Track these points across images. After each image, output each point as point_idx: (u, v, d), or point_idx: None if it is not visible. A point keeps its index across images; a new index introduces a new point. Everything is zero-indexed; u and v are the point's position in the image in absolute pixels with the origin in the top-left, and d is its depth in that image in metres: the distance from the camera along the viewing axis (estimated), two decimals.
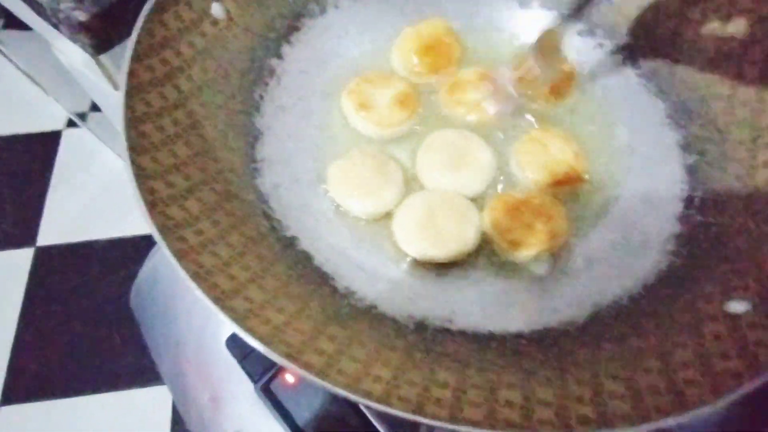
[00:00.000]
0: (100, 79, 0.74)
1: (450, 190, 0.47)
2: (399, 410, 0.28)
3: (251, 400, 0.50)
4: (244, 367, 0.50)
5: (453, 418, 0.29)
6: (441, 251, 0.44)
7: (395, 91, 0.51)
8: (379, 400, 0.29)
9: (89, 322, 1.14)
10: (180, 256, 0.33)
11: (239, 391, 0.51)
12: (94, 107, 1.33)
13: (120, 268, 1.19)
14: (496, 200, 0.47)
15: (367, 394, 0.29)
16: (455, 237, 0.44)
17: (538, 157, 0.48)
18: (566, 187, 0.48)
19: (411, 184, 0.48)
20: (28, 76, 1.30)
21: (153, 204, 0.35)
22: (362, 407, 0.48)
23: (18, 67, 1.28)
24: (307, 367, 0.30)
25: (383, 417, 0.48)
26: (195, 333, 0.53)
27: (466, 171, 0.48)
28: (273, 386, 0.50)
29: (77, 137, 1.37)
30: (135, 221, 1.23)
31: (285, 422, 0.49)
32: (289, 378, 0.50)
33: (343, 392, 0.29)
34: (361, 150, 0.49)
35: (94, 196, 1.29)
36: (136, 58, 0.40)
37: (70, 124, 1.38)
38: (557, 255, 0.45)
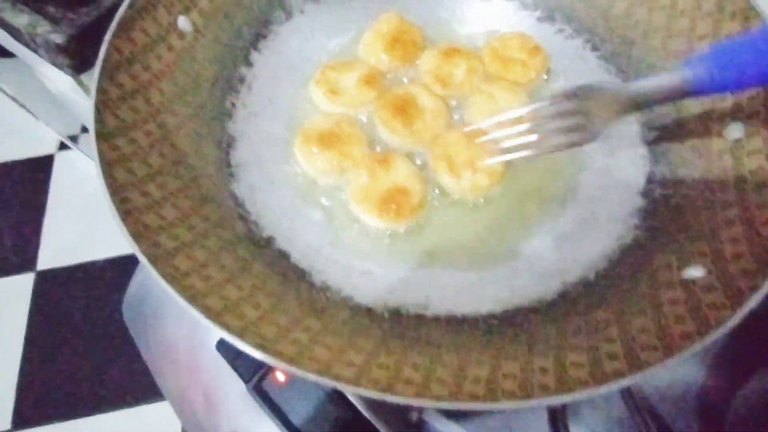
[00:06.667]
0: (84, 100, 0.76)
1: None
2: (368, 390, 0.30)
3: (244, 400, 0.51)
4: (235, 368, 0.51)
5: (419, 395, 0.30)
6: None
7: (360, 72, 0.53)
8: (349, 382, 0.30)
9: (94, 342, 1.14)
10: (154, 260, 0.34)
11: (232, 391, 0.52)
12: (86, 128, 1.34)
13: (121, 287, 1.19)
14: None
15: (337, 377, 0.30)
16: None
17: (487, 107, 0.51)
18: None
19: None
20: (17, 101, 1.32)
21: (128, 213, 0.36)
22: (355, 402, 0.49)
23: (6, 93, 1.30)
24: (278, 355, 0.31)
25: (375, 411, 0.49)
26: (185, 337, 0.54)
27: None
28: (265, 385, 0.51)
29: (70, 159, 1.38)
30: None
31: (278, 420, 0.50)
32: (280, 376, 0.51)
33: (312, 377, 0.30)
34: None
35: (90, 217, 1.29)
36: (105, 75, 0.41)
37: (62, 147, 1.40)
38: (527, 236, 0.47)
